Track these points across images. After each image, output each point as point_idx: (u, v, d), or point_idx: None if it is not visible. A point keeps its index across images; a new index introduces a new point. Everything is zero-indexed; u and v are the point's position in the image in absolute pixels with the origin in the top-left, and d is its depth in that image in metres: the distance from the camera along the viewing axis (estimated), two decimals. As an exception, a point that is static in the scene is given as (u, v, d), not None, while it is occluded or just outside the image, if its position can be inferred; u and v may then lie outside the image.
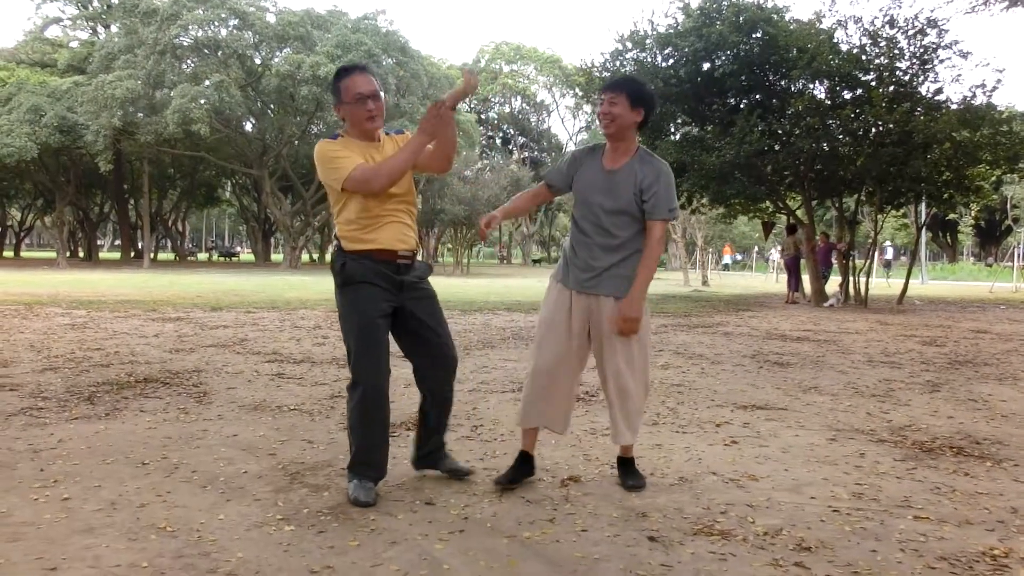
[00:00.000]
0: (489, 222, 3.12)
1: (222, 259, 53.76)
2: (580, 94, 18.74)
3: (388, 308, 3.01)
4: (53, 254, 42.41)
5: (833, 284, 17.43)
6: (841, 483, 3.33)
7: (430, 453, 3.29)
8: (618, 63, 15.77)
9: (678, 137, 16.63)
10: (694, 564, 2.45)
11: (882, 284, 23.88)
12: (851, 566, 2.44)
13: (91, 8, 41.06)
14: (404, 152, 2.95)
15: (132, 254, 42.56)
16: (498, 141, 62.59)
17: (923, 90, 13.91)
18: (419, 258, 3.13)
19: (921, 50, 13.55)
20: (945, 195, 15.27)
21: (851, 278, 15.98)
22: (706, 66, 15.00)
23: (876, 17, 13.96)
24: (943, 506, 3.04)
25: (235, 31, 32.64)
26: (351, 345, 2.99)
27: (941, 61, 13.64)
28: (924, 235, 29.04)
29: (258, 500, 2.97)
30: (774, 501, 3.07)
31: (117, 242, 57.70)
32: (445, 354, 3.16)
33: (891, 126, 13.33)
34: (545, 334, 3.17)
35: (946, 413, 4.88)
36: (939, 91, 13.91)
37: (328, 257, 40.85)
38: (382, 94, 3.06)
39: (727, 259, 31.95)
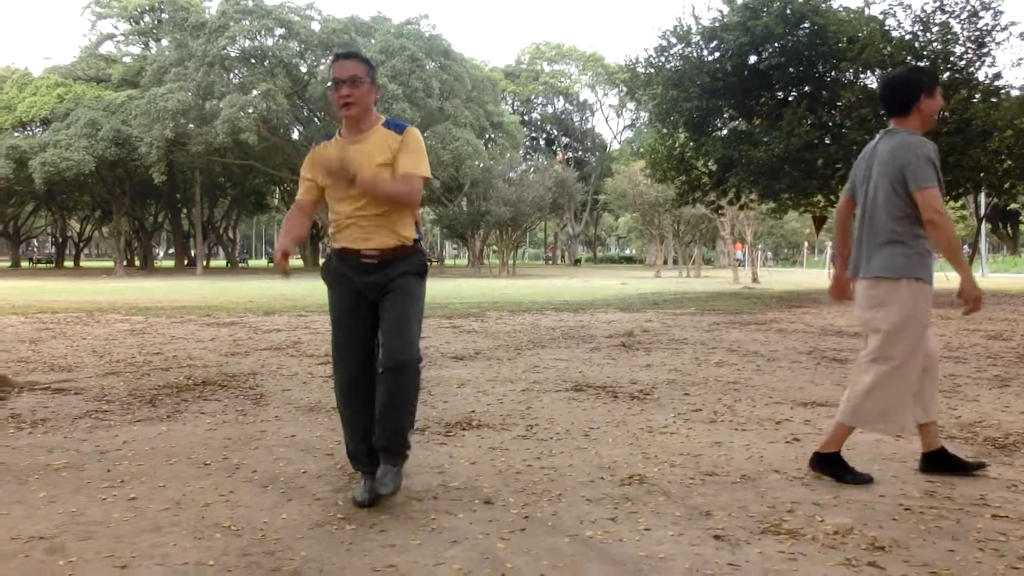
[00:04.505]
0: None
1: (272, 265, 54.75)
2: (624, 92, 18.59)
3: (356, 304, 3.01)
4: (111, 263, 43.66)
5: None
6: (911, 481, 3.22)
7: (374, 446, 2.95)
8: (663, 58, 15.62)
9: (725, 132, 16.42)
10: (762, 564, 2.38)
11: (939, 278, 23.20)
12: (928, 566, 2.35)
13: (143, 23, 42.22)
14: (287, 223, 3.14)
15: (185, 262, 43.61)
16: (542, 142, 62.57)
17: (980, 76, 13.50)
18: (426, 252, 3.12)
19: (976, 34, 13.13)
20: (1006, 184, 14.79)
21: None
22: (752, 59, 14.77)
23: (927, 3, 13.59)
24: (1021, 504, 2.91)
25: (281, 40, 33.25)
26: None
27: (998, 44, 13.23)
28: (984, 226, 28.16)
29: (318, 499, 2.99)
30: (842, 499, 2.98)
31: (171, 250, 59.19)
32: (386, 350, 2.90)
33: (947, 114, 12.94)
34: (922, 332, 3.11)
35: (1018, 408, 4.69)
36: (998, 76, 13.50)
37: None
38: (367, 81, 2.93)
39: (739, 255, 31.73)
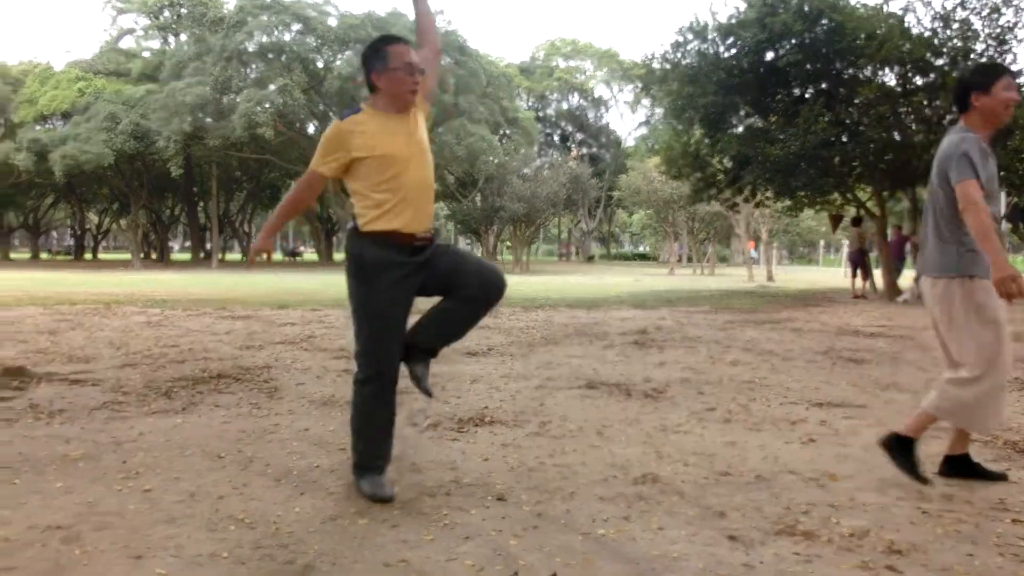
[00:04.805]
0: None
1: (287, 258, 55.04)
2: (640, 88, 18.51)
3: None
4: (128, 256, 44.02)
5: (906, 278, 16.83)
6: (930, 484, 3.18)
7: (417, 348, 3.04)
8: (679, 55, 15.52)
9: (741, 129, 16.30)
10: (777, 565, 2.36)
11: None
12: (947, 571, 2.32)
13: (162, 18, 42.44)
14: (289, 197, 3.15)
15: (201, 255, 43.85)
16: (556, 138, 62.44)
17: (1004, 73, 13.34)
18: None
19: (997, 31, 12.96)
20: (1027, 184, 14.61)
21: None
22: (769, 56, 14.63)
23: None
24: (1042, 508, 2.87)
25: (298, 35, 33.35)
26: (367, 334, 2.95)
27: (1020, 41, 13.07)
28: (1004, 226, 27.87)
29: (331, 494, 3.00)
30: (858, 502, 2.95)
31: (187, 243, 59.61)
32: (491, 274, 3.01)
33: (967, 113, 12.78)
34: (989, 329, 3.05)
35: (1037, 411, 4.64)
36: (1019, 73, 13.31)
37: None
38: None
39: (752, 253, 31.68)
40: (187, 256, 49.70)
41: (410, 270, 2.89)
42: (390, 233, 2.85)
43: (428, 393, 3.10)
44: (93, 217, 57.10)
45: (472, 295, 2.96)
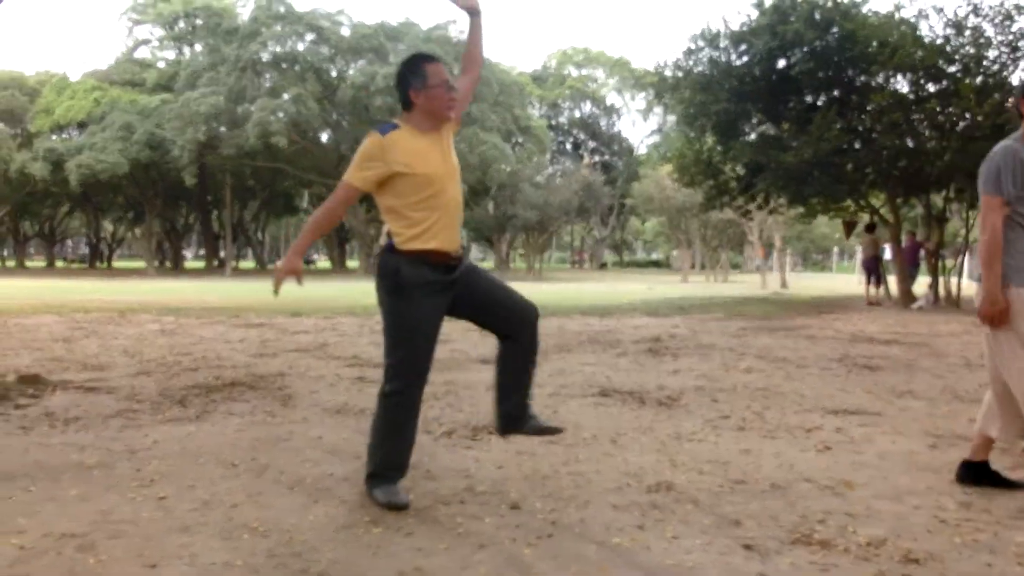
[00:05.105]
0: None
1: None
2: (652, 95, 18.49)
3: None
4: (142, 264, 44.34)
5: (921, 285, 16.72)
6: (946, 492, 3.15)
7: (511, 413, 3.14)
8: (691, 62, 15.51)
9: (753, 136, 16.26)
10: (793, 574, 2.34)
11: (972, 285, 22.80)
12: (965, 580, 2.29)
13: (177, 29, 42.87)
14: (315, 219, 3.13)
15: (215, 263, 44.12)
16: (568, 146, 62.48)
17: (1014, 79, 13.23)
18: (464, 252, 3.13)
19: (1010, 38, 12.89)
20: (1043, 189, 14.48)
21: (941, 278, 15.31)
22: (781, 63, 14.60)
23: (959, 6, 13.36)
24: (1062, 518, 2.84)
25: (312, 45, 33.58)
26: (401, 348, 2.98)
27: (1033, 48, 12.95)
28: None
29: (345, 502, 3.00)
30: (875, 510, 2.92)
31: (201, 251, 59.95)
32: (522, 304, 3.11)
33: (980, 119, 12.70)
34: None
35: (1056, 419, 4.58)
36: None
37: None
38: None
39: (758, 261, 31.67)
40: (201, 264, 50.02)
41: (444, 288, 2.95)
42: (427, 252, 2.89)
43: (556, 430, 3.21)
44: (108, 226, 57.57)
45: (515, 329, 3.08)
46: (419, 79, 2.93)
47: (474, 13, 3.21)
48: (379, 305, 3.00)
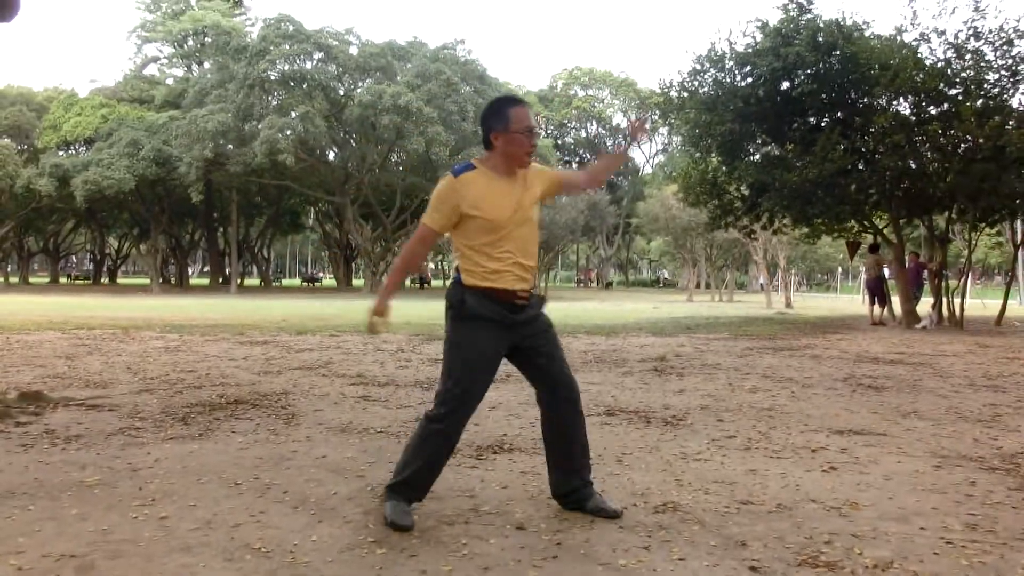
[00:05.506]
0: None
1: (305, 284, 55.34)
2: (657, 116, 18.55)
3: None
4: (147, 280, 44.43)
5: (924, 305, 16.67)
6: (952, 513, 3.13)
7: (572, 492, 3.12)
8: (696, 83, 15.58)
9: (758, 157, 16.29)
10: (800, 598, 2.32)
11: (977, 305, 22.73)
12: (974, 605, 2.27)
13: (186, 47, 43.23)
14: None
15: (220, 280, 44.20)
16: (575, 166, 62.68)
17: (1014, 103, 13.29)
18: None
19: (1010, 61, 12.96)
20: (1042, 211, 14.48)
21: (944, 299, 15.27)
22: (785, 85, 14.67)
23: (960, 31, 13.43)
24: (1072, 542, 2.80)
25: (320, 64, 33.80)
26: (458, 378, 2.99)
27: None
28: (1021, 254, 27.56)
29: (349, 522, 2.98)
30: (881, 531, 2.90)
31: (206, 268, 60.11)
32: (570, 374, 3.17)
33: (981, 141, 12.74)
34: None
35: (1064, 441, 4.55)
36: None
37: (408, 283, 40.87)
38: None
39: (761, 281, 31.82)
40: (206, 281, 50.09)
41: (508, 325, 2.97)
42: (490, 290, 2.93)
43: (617, 513, 3.08)
44: (113, 242, 57.78)
45: (564, 396, 3.12)
46: (502, 122, 2.91)
47: (627, 151, 3.48)
48: (444, 332, 3.05)
